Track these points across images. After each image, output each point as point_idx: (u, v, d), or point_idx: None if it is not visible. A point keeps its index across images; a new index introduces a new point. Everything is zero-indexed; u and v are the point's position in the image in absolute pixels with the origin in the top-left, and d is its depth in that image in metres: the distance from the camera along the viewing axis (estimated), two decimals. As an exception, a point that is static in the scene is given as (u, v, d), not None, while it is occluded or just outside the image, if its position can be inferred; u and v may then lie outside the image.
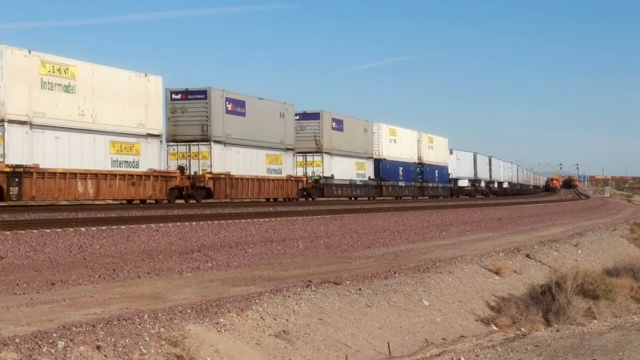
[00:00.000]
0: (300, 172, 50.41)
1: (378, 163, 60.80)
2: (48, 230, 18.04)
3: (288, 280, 14.21)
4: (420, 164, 70.46)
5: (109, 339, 8.79)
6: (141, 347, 8.94)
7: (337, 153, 53.92)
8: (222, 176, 40.60)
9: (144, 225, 20.62)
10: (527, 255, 22.14)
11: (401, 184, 65.13)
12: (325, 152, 52.82)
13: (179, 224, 21.90)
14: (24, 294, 12.02)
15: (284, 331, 11.08)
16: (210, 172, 39.75)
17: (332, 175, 52.75)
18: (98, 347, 8.55)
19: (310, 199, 49.49)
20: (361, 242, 23.10)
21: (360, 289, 13.69)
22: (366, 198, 58.26)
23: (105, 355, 8.51)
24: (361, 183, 57.40)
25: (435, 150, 74.53)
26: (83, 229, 18.78)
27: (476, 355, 11.30)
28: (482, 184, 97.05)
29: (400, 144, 65.07)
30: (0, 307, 10.58)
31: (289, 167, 47.71)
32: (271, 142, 45.41)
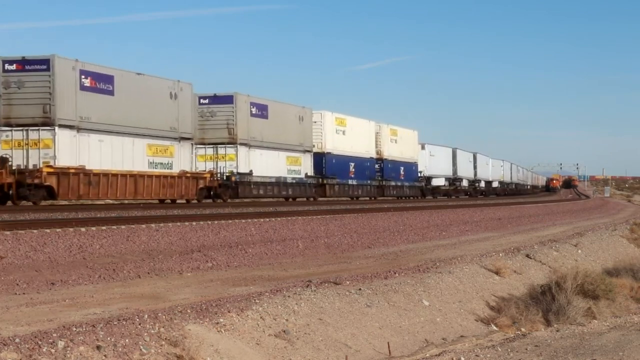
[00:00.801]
0: (208, 167, 41.65)
1: (320, 158, 51.50)
2: (48, 230, 18.04)
3: (288, 280, 14.21)
4: (380, 160, 61.34)
5: (109, 339, 8.79)
6: (141, 347, 8.94)
7: (257, 145, 44.13)
8: (72, 171, 31.88)
9: (144, 225, 20.62)
10: (527, 255, 22.13)
11: (352, 182, 55.82)
12: (241, 144, 42.97)
13: (179, 224, 21.90)
14: (24, 294, 12.02)
15: (284, 331, 11.08)
16: (52, 167, 31.21)
17: (251, 171, 43.14)
18: (98, 347, 8.54)
19: (219, 200, 40.91)
20: (361, 242, 23.10)
21: (360, 289, 13.69)
22: (304, 199, 49.30)
23: (105, 355, 8.51)
24: (294, 181, 47.55)
25: (400, 145, 65.35)
26: (83, 229, 18.78)
27: (476, 355, 11.30)
28: (464, 183, 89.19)
29: (352, 136, 55.40)
30: (0, 307, 10.58)
31: (185, 160, 38.85)
32: (156, 128, 36.89)
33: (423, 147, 73.32)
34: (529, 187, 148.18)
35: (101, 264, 15.25)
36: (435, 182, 77.53)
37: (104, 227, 19.54)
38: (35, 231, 17.74)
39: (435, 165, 76.60)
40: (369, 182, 58.55)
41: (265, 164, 44.81)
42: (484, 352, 11.46)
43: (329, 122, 53.44)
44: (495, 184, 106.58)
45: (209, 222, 23.05)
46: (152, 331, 9.37)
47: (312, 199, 49.44)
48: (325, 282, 13.77)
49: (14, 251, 15.55)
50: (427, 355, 12.04)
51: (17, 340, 8.23)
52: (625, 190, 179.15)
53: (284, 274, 15.61)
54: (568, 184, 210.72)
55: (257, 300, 11.58)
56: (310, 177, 50.40)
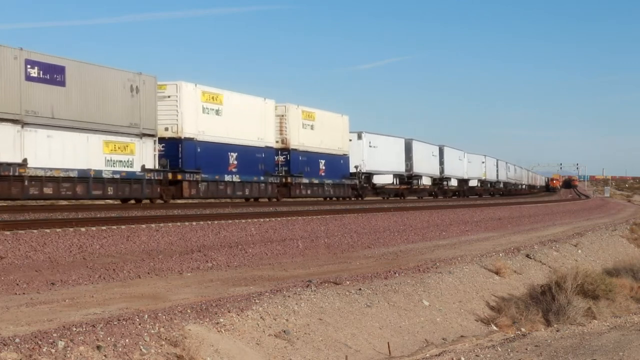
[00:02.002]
0: None
1: (175, 145, 37.19)
2: (48, 230, 18.04)
3: (288, 280, 14.21)
4: (285, 151, 46.87)
5: (109, 339, 8.79)
6: (141, 347, 8.94)
7: (42, 123, 29.34)
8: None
9: (144, 225, 20.63)
10: (527, 255, 22.14)
11: (231, 178, 40.70)
12: (4, 120, 27.91)
13: (179, 224, 21.91)
14: (24, 294, 12.02)
15: (284, 331, 11.08)
16: None
17: (25, 160, 28.20)
18: (98, 347, 8.55)
19: None
20: (361, 242, 23.10)
21: (360, 289, 13.69)
22: (134, 201, 35.31)
23: (105, 355, 8.51)
24: (118, 177, 32.65)
25: (319, 132, 50.52)
26: (83, 229, 18.78)
27: (476, 355, 11.30)
28: (426, 181, 74.69)
29: (231, 118, 41.19)
30: (0, 307, 10.58)
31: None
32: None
33: (360, 137, 59.66)
34: (524, 187, 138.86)
35: (101, 264, 15.25)
36: (380, 180, 62.55)
37: (104, 227, 19.54)
38: (35, 231, 17.75)
39: (377, 159, 61.47)
40: (261, 178, 43.21)
41: (56, 151, 30.19)
42: (484, 352, 11.46)
43: (191, 96, 38.27)
44: (473, 183, 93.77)
45: (209, 222, 23.05)
46: (152, 331, 9.37)
47: (155, 201, 35.78)
48: (325, 282, 13.77)
49: (14, 251, 15.55)
50: (427, 355, 12.04)
51: (17, 340, 8.23)
52: (625, 190, 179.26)
53: (284, 274, 15.61)
54: (568, 184, 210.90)
55: (257, 300, 11.58)
56: (154, 171, 34.81)
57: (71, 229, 18.58)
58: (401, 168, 67.41)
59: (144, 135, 34.56)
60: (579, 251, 26.60)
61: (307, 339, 11.27)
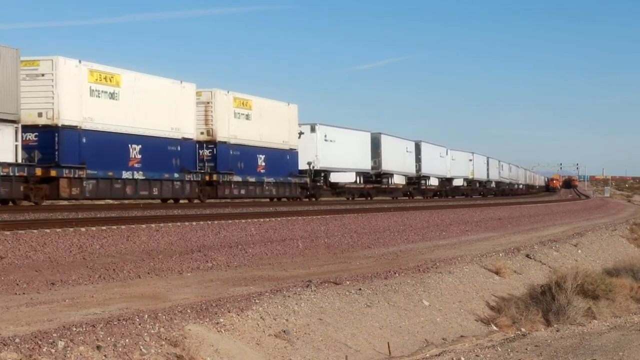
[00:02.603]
0: None
1: (50, 135, 30.63)
2: (48, 230, 18.05)
3: (288, 280, 14.21)
4: (211, 144, 40.30)
5: (109, 339, 8.79)
6: (141, 347, 8.94)
7: None
8: None
9: (144, 225, 20.64)
10: (527, 255, 22.15)
11: (131, 175, 33.99)
12: None
13: (179, 224, 21.92)
14: (24, 294, 12.02)
15: (284, 331, 11.08)
16: None
17: None
18: (98, 347, 8.55)
19: None
20: (361, 242, 23.11)
21: (360, 289, 13.69)
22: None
23: (105, 355, 8.51)
24: None
25: (258, 123, 43.73)
26: (83, 229, 18.79)
27: (476, 355, 11.31)
28: (398, 180, 67.09)
29: (134, 103, 34.32)
30: (0, 307, 10.58)
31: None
32: None
33: (313, 129, 52.23)
34: (521, 186, 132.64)
35: (101, 264, 15.26)
36: (338, 178, 55.27)
37: (104, 227, 19.55)
38: (35, 231, 17.75)
39: (336, 154, 54.03)
40: (175, 175, 36.67)
41: None
42: (484, 352, 11.47)
43: (69, 74, 31.27)
44: (458, 182, 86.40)
45: (209, 222, 23.06)
46: (152, 331, 9.38)
47: (19, 203, 29.38)
48: (325, 282, 13.78)
49: (14, 251, 15.56)
50: (427, 355, 12.04)
51: (17, 340, 8.23)
52: (625, 190, 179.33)
53: (284, 274, 15.62)
54: (568, 184, 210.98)
55: (257, 300, 11.58)
56: (10, 165, 27.93)
57: (71, 229, 18.59)
58: (367, 165, 60.32)
59: (2, 120, 27.54)
60: (579, 251, 26.61)
61: (307, 339, 11.27)
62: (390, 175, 64.77)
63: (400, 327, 13.23)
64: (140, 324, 9.44)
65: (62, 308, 10.72)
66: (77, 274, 13.97)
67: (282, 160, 46.59)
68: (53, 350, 8.18)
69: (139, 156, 34.72)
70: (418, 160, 72.04)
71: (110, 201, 35.70)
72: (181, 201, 38.09)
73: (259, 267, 16.68)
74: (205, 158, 40.18)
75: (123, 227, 19.96)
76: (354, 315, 12.72)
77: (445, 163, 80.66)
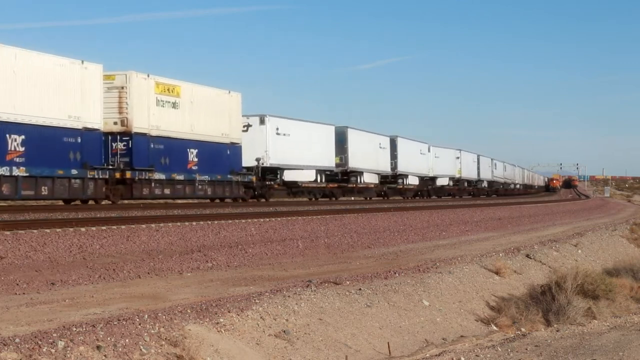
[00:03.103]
0: None
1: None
2: (48, 230, 18.05)
3: (288, 280, 14.22)
4: (126, 135, 34.12)
5: (109, 339, 8.79)
6: (141, 347, 8.95)
7: None
8: None
9: (144, 225, 20.63)
10: (527, 255, 22.15)
11: (8, 171, 27.72)
12: None
13: (179, 224, 21.91)
14: (24, 294, 12.02)
15: (284, 331, 11.08)
16: None
17: None
18: (98, 347, 8.55)
19: None
20: (361, 242, 23.11)
21: (360, 289, 13.69)
22: None
23: (105, 355, 8.51)
24: None
25: (189, 113, 37.97)
26: (83, 229, 18.79)
27: (476, 355, 11.31)
28: (369, 179, 61.03)
29: (15, 86, 28.34)
30: (0, 307, 10.58)
31: None
32: None
33: (262, 121, 46.52)
34: (518, 186, 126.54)
35: (101, 264, 15.26)
36: (291, 177, 49.53)
37: (104, 227, 19.55)
38: (35, 231, 17.75)
39: (288, 150, 48.44)
40: (73, 172, 30.64)
41: None
42: (484, 352, 11.47)
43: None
44: (442, 181, 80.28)
45: (209, 222, 23.06)
46: (152, 331, 9.38)
47: None
48: (325, 282, 13.78)
49: (14, 251, 15.56)
50: (427, 355, 12.04)
51: (17, 340, 8.23)
52: (625, 190, 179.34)
53: (284, 274, 15.62)
54: (568, 184, 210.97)
55: (257, 300, 11.58)
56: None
57: (71, 229, 18.59)
58: (330, 162, 54.54)
59: None
60: (579, 251, 26.61)
61: (307, 339, 11.27)
62: (359, 173, 58.77)
63: (400, 327, 13.23)
64: (140, 324, 9.44)
65: (62, 308, 10.72)
66: (77, 274, 13.98)
67: (220, 155, 40.70)
68: (53, 350, 8.18)
69: (22, 149, 28.77)
70: (394, 157, 65.70)
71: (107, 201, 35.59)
72: (90, 202, 32.91)
73: (259, 267, 16.69)
74: (119, 152, 34.14)
75: (123, 227, 19.96)
76: (354, 315, 12.72)
77: (427, 160, 74.12)
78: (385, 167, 64.11)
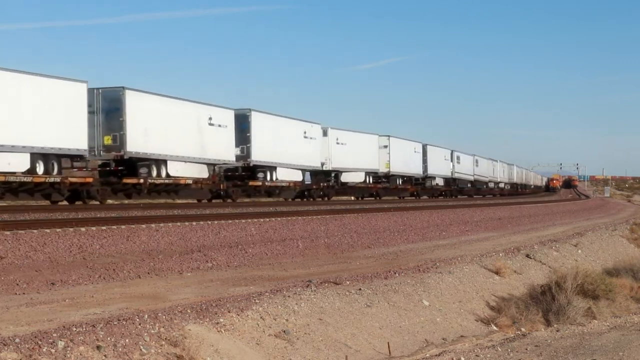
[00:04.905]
0: None
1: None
2: (48, 230, 18.04)
3: (288, 280, 14.21)
4: None
5: (109, 339, 8.79)
6: (141, 347, 8.94)
7: None
8: None
9: (144, 225, 20.62)
10: (527, 255, 22.15)
11: None
12: None
13: (179, 224, 21.91)
14: (24, 294, 12.02)
15: (284, 331, 11.08)
16: None
17: None
18: (98, 347, 8.55)
19: None
20: (361, 242, 23.10)
21: (360, 289, 13.69)
22: None
23: (105, 355, 8.51)
24: None
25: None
26: (83, 229, 18.78)
27: (476, 355, 11.31)
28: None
29: None
30: (0, 307, 10.58)
31: None
32: None
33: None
34: (517, 186, 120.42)
35: (101, 264, 15.25)
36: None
37: (104, 227, 19.54)
38: (35, 231, 17.74)
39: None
40: None
41: None
42: (484, 352, 11.46)
43: None
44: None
45: (209, 222, 23.05)
46: (152, 331, 9.38)
47: None
48: (325, 282, 13.78)
49: (14, 251, 15.55)
50: (427, 355, 12.04)
51: (17, 340, 8.23)
52: (625, 190, 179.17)
53: (284, 274, 15.62)
54: (568, 184, 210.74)
55: (257, 300, 11.58)
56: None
57: (71, 229, 18.58)
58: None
59: None
60: (579, 251, 26.61)
61: (307, 339, 11.27)
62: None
63: (400, 327, 13.23)
64: (140, 324, 9.44)
65: (62, 308, 10.72)
66: (77, 274, 13.97)
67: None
68: (53, 350, 8.18)
69: None
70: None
71: (111, 201, 35.66)
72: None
73: (259, 267, 16.68)
74: None
75: (123, 227, 19.95)
76: (354, 315, 12.72)
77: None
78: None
